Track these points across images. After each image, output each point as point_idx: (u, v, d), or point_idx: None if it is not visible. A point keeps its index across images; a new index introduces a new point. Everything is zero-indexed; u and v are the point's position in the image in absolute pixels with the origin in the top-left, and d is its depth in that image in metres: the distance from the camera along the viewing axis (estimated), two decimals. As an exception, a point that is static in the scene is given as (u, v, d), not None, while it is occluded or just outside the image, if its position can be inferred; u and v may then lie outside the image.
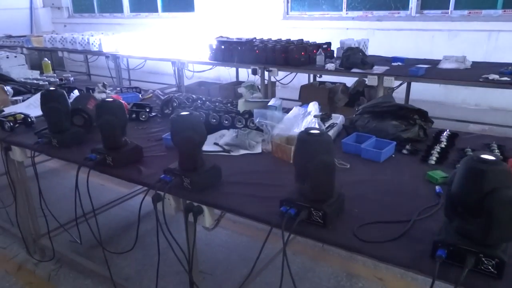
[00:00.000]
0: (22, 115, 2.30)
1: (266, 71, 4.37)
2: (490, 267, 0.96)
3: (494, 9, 5.53)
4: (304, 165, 1.17)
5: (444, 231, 1.05)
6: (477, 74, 3.50)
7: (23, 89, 3.08)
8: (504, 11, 5.46)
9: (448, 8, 5.82)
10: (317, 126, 1.77)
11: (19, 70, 3.88)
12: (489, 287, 0.95)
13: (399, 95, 4.34)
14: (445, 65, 3.97)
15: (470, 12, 5.70)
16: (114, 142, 1.71)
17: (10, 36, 7.39)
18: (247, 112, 2.11)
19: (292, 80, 5.24)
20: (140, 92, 3.07)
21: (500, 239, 0.96)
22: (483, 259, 0.96)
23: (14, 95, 2.87)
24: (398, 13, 6.26)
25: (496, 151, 1.72)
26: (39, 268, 2.51)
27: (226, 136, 1.96)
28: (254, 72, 4.45)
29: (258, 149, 1.86)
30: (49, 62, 4.46)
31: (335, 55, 4.74)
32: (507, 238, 0.96)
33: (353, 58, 3.96)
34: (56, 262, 2.53)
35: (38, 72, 4.00)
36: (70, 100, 2.16)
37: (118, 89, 3.16)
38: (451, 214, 1.04)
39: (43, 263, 2.53)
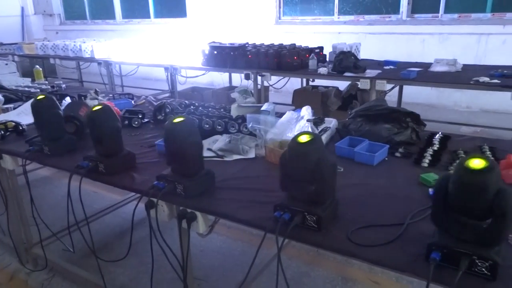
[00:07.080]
0: (13, 123, 2.28)
1: (259, 75, 4.38)
2: (484, 269, 0.96)
3: (483, 13, 5.60)
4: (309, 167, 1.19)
5: (438, 233, 1.05)
6: (467, 76, 3.54)
7: (14, 97, 3.06)
8: (493, 14, 5.54)
9: (438, 12, 5.89)
10: (310, 130, 1.78)
11: (10, 77, 3.86)
12: (483, 289, 0.95)
13: (391, 99, 4.37)
14: (436, 68, 4.00)
15: (460, 16, 5.77)
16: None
17: (1, 44, 7.36)
18: (240, 117, 2.11)
19: (285, 85, 5.26)
20: (132, 98, 3.06)
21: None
22: (477, 261, 0.96)
23: (5, 103, 2.84)
24: (389, 17, 6.32)
25: (488, 152, 1.73)
26: (32, 277, 2.48)
27: (219, 141, 1.95)
28: (247, 77, 4.46)
29: (252, 154, 1.86)
30: (41, 69, 4.43)
31: (327, 59, 4.76)
32: None
33: (346, 62, 3.99)
34: (49, 271, 2.49)
35: (30, 79, 3.97)
36: (62, 107, 2.14)
37: (111, 95, 3.15)
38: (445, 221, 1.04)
39: (36, 272, 2.50)
